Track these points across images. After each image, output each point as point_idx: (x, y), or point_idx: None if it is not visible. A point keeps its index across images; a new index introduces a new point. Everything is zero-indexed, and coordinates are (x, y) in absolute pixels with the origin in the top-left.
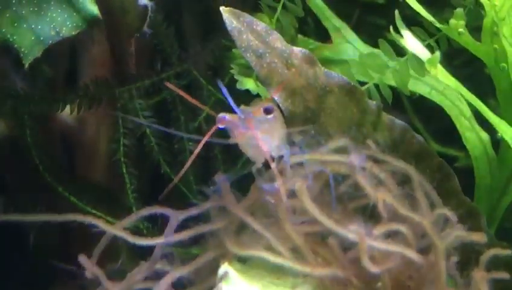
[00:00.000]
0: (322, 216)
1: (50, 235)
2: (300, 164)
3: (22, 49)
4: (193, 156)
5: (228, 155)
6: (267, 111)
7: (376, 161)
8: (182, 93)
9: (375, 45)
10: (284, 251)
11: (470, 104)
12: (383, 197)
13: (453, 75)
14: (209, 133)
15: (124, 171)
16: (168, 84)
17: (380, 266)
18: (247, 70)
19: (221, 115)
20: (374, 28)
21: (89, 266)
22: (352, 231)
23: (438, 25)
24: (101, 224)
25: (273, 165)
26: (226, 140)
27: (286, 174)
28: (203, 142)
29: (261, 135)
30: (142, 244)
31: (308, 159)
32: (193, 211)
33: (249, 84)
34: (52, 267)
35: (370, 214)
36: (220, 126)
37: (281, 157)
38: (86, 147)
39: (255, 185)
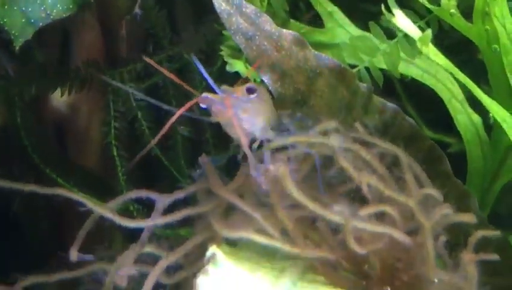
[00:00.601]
0: (306, 199)
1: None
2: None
3: (13, 32)
4: (168, 125)
5: (220, 139)
6: (250, 91)
7: (364, 143)
8: (172, 76)
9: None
10: (273, 232)
11: (462, 88)
12: (367, 180)
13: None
14: (184, 108)
15: (115, 154)
16: (149, 60)
17: (367, 247)
18: (237, 52)
19: (204, 94)
20: (366, 15)
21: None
22: (337, 213)
23: (428, 5)
24: (88, 203)
25: (247, 147)
26: (208, 118)
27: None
28: (178, 114)
29: (242, 115)
30: (130, 226)
31: (293, 142)
32: (179, 195)
33: (238, 66)
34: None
35: (359, 198)
36: (202, 105)
37: (267, 139)
38: (78, 136)
39: (242, 168)
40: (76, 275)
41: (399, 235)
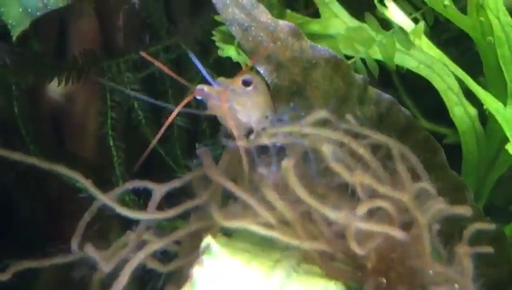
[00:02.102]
0: (310, 198)
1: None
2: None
3: (10, 21)
4: (167, 123)
5: (217, 130)
6: (246, 83)
7: (356, 135)
8: (167, 70)
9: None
10: (272, 222)
11: (458, 80)
12: (361, 180)
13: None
14: (182, 103)
15: (112, 144)
16: (145, 55)
17: (366, 246)
18: (229, 37)
19: (200, 86)
20: (364, 5)
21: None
22: (341, 216)
23: None
24: (87, 184)
25: (239, 140)
26: (202, 111)
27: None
28: (175, 112)
29: (238, 108)
30: (129, 216)
31: (286, 132)
32: (176, 183)
33: (230, 51)
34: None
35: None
36: (198, 97)
37: (263, 129)
38: (75, 125)
39: (227, 150)
40: (69, 261)
41: (395, 233)
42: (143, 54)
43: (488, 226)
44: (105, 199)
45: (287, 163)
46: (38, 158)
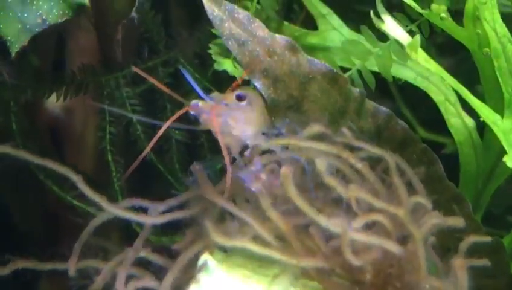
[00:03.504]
0: (306, 206)
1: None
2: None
3: (9, 38)
4: (159, 134)
5: (215, 143)
6: (240, 98)
7: (353, 148)
8: (158, 84)
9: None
10: (270, 240)
11: (456, 91)
12: (356, 194)
13: (442, 60)
14: (174, 117)
15: (110, 159)
16: (138, 70)
17: (362, 258)
18: (226, 51)
19: (194, 101)
20: (362, 17)
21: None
22: (336, 224)
23: (419, 10)
24: (100, 200)
25: (226, 155)
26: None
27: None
28: (166, 126)
29: (232, 123)
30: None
31: (279, 145)
32: (172, 202)
33: (226, 65)
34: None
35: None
36: (192, 112)
37: (258, 144)
38: (74, 139)
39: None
40: (68, 268)
41: (391, 246)
42: (136, 69)
43: (485, 238)
44: (102, 201)
45: (286, 170)
46: (37, 173)
